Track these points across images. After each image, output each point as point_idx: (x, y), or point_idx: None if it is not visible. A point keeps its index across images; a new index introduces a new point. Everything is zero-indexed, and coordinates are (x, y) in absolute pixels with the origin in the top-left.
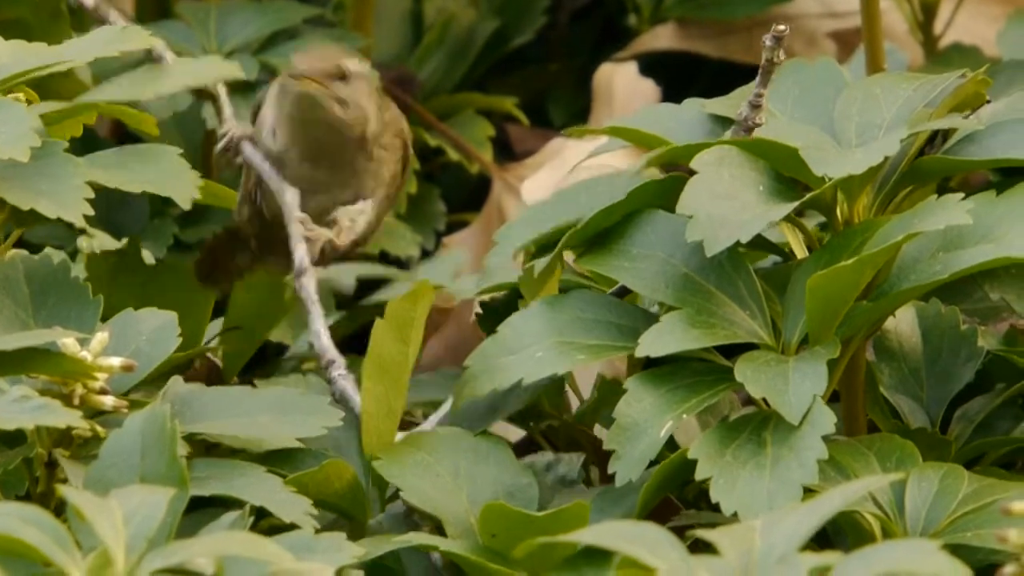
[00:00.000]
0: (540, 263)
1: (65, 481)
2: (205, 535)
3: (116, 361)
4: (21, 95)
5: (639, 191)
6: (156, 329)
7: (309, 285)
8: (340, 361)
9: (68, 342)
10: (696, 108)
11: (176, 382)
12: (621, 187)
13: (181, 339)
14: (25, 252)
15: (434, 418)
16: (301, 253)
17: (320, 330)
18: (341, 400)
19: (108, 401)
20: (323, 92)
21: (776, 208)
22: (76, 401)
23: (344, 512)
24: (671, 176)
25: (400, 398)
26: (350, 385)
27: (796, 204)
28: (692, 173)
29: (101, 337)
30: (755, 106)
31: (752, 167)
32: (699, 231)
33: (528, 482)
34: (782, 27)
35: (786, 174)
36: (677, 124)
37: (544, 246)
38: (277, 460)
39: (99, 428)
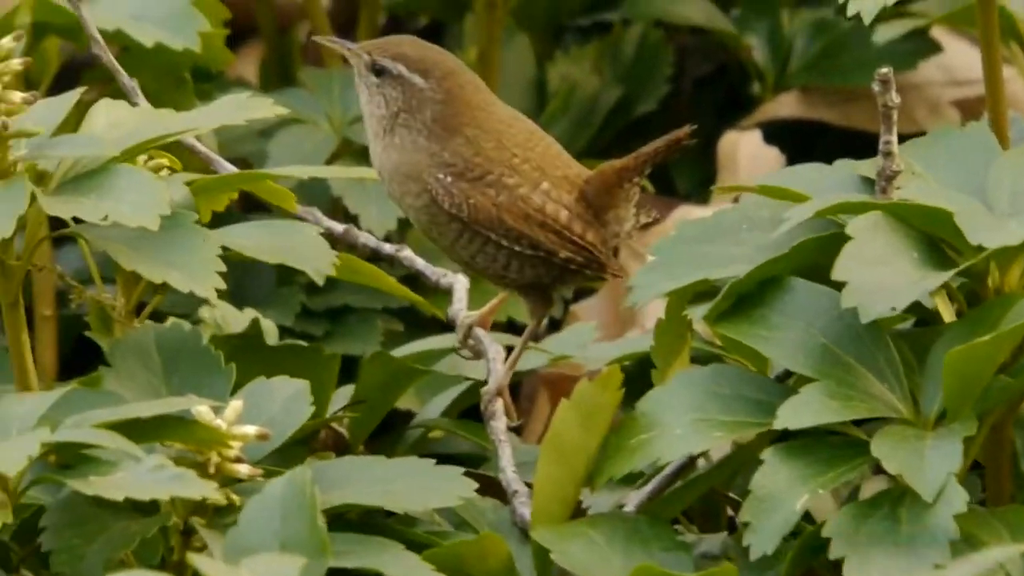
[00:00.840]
0: (699, 311)
1: (202, 549)
2: None
3: (251, 430)
4: (165, 160)
5: (801, 247)
6: (289, 398)
7: (498, 427)
8: (523, 491)
9: (203, 410)
10: (845, 169)
11: None
12: (782, 238)
13: (314, 407)
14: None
15: (635, 499)
16: (493, 415)
17: (507, 466)
18: (522, 523)
19: (243, 470)
20: (356, 62)
21: (931, 277)
22: (211, 469)
23: None
24: (832, 233)
25: (576, 486)
26: (529, 512)
27: (951, 274)
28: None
29: (236, 405)
30: (887, 153)
31: (905, 233)
32: (854, 298)
33: (683, 556)
34: (884, 70)
35: (936, 236)
36: (826, 184)
37: (701, 294)
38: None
39: (234, 496)
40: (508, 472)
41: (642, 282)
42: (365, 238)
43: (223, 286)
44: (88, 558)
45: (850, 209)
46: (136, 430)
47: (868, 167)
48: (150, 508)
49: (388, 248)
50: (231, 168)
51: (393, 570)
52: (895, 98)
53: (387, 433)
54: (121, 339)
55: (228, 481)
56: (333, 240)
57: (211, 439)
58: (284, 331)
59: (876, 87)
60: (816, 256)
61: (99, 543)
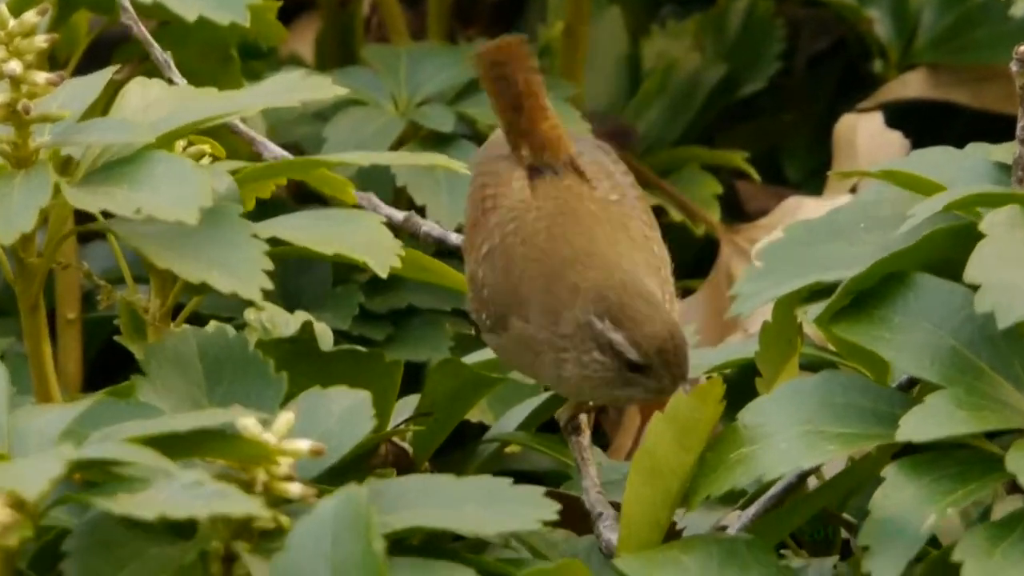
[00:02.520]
0: (813, 310)
1: None
2: None
3: (304, 444)
4: (206, 147)
5: (929, 239)
6: (346, 410)
7: (583, 441)
8: (608, 513)
9: (248, 423)
10: (980, 154)
11: None
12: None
13: (375, 420)
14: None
15: (738, 523)
16: (575, 430)
17: (590, 486)
18: (607, 550)
19: (295, 489)
20: None
21: None
22: (258, 488)
23: None
24: (966, 223)
25: (670, 508)
26: (615, 537)
27: None
28: None
29: (286, 418)
30: None
31: None
32: (989, 300)
33: None
34: (1023, 47)
35: None
36: (958, 171)
37: (815, 292)
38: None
39: (283, 519)
40: (591, 493)
41: (747, 290)
42: (428, 227)
43: (270, 286)
44: None
45: (986, 202)
46: (173, 446)
47: (1005, 152)
48: (188, 531)
49: (455, 238)
50: (282, 153)
51: None
52: None
53: (456, 448)
54: (157, 345)
55: (277, 502)
56: (393, 229)
57: (257, 455)
58: (340, 335)
59: (1014, 67)
60: (947, 251)
61: (130, 570)
